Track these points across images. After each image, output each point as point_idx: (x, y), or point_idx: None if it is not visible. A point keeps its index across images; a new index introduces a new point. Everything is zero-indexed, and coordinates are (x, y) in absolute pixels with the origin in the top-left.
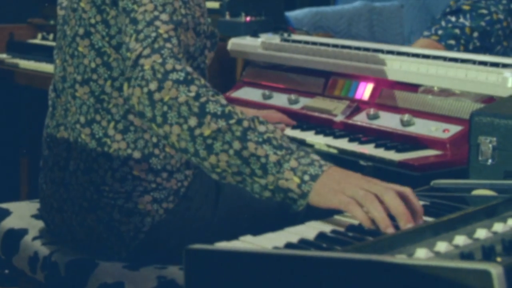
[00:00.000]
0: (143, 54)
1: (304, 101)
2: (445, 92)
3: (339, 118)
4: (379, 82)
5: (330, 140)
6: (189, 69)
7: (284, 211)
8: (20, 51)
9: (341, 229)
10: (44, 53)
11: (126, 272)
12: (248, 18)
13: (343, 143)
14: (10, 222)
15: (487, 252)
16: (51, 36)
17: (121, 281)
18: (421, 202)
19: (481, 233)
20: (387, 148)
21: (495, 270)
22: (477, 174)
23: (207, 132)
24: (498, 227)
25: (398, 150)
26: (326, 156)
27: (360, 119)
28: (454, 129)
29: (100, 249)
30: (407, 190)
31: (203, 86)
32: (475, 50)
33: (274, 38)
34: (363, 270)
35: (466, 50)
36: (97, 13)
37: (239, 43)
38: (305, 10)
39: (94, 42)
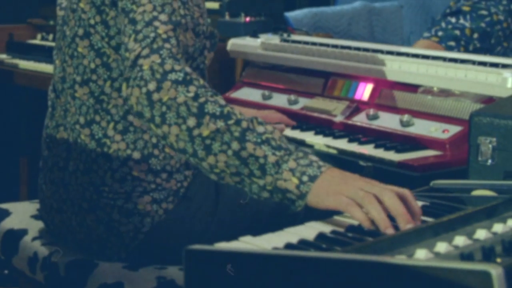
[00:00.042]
0: (142, 54)
1: (303, 102)
2: (444, 93)
3: (339, 119)
4: (379, 82)
5: (329, 141)
6: (188, 69)
7: (284, 211)
8: (19, 52)
9: (341, 230)
10: (44, 54)
11: (126, 273)
12: (247, 19)
13: (343, 144)
14: (9, 223)
15: (487, 253)
16: (50, 37)
17: (121, 282)
18: (421, 203)
19: (481, 234)
20: (387, 148)
21: (495, 271)
22: (477, 175)
23: (205, 132)
24: (498, 227)
25: (398, 150)
26: (325, 156)
27: (360, 119)
28: (454, 129)
29: (100, 250)
30: (405, 192)
31: (202, 87)
32: (476, 51)
33: (273, 39)
34: (363, 270)
35: (467, 51)
36: (96, 14)
37: (238, 43)
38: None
39: (93, 42)
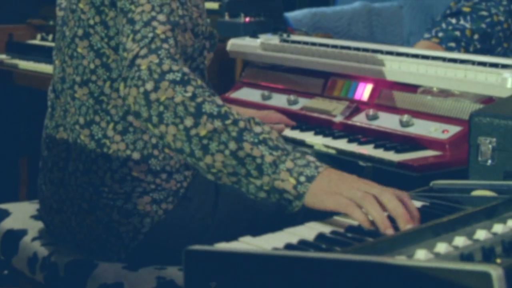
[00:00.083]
0: (140, 54)
1: (303, 102)
2: (444, 93)
3: (338, 119)
4: (378, 82)
5: (329, 141)
6: (186, 69)
7: (284, 212)
8: (19, 52)
9: (341, 230)
10: (43, 54)
11: (126, 273)
12: (247, 19)
13: (343, 144)
14: (9, 223)
15: (487, 254)
16: (50, 37)
17: (121, 282)
18: (421, 203)
19: (481, 234)
20: (387, 148)
21: (495, 272)
22: (477, 175)
23: (203, 132)
24: (498, 228)
25: (398, 150)
26: (325, 156)
27: (359, 119)
28: (454, 129)
29: (100, 250)
30: (403, 194)
31: (200, 87)
32: (476, 52)
33: (273, 39)
34: (363, 271)
35: (467, 52)
36: (96, 14)
37: (238, 43)
38: (304, 11)
39: (93, 43)
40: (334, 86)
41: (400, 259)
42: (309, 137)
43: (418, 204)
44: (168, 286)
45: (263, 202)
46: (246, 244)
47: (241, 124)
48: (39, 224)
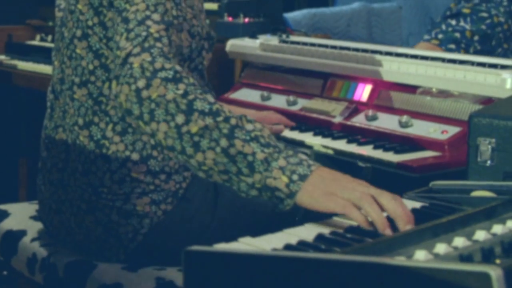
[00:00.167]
0: (133, 53)
1: (302, 102)
2: (443, 94)
3: (338, 119)
4: (378, 83)
5: (328, 141)
6: (178, 67)
7: (283, 212)
8: (18, 52)
9: (340, 231)
10: (43, 55)
11: (125, 274)
12: (246, 20)
13: (342, 144)
14: (8, 224)
15: (486, 254)
16: (49, 38)
17: (120, 282)
18: (420, 204)
19: (480, 235)
20: (386, 149)
21: (494, 272)
22: (476, 176)
23: (194, 129)
24: (497, 229)
25: (397, 151)
26: (324, 157)
27: (359, 120)
28: (453, 130)
29: (99, 251)
30: (397, 196)
31: (192, 84)
32: (476, 54)
33: (272, 40)
34: (362, 272)
35: (467, 54)
36: (94, 15)
37: (237, 44)
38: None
39: (91, 44)
40: (333, 87)
41: (400, 260)
42: (308, 137)
43: (417, 204)
44: (168, 287)
45: (262, 203)
46: (246, 244)
47: (233, 121)
48: (39, 225)
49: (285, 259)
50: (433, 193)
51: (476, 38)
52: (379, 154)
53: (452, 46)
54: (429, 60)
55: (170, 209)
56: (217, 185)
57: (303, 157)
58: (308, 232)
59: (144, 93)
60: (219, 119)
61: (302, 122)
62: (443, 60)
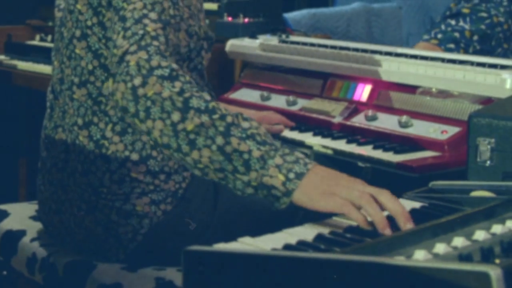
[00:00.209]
0: (130, 51)
1: (302, 103)
2: (443, 94)
3: (337, 120)
4: (377, 83)
5: (328, 142)
6: (174, 66)
7: (283, 212)
8: (18, 52)
9: (340, 231)
10: (42, 55)
11: (124, 274)
12: (246, 20)
13: (341, 145)
14: (8, 224)
15: (486, 254)
16: (49, 38)
17: (119, 283)
18: (420, 204)
19: (480, 235)
20: (385, 149)
21: (494, 272)
22: (476, 176)
23: (190, 126)
24: (497, 228)
25: (397, 151)
26: (324, 157)
27: (358, 120)
28: (452, 130)
29: (98, 251)
30: (394, 196)
31: (188, 82)
32: (476, 54)
33: (272, 40)
34: (362, 271)
35: (466, 53)
36: (93, 15)
37: (237, 44)
38: (303, 12)
39: (91, 44)
40: (333, 87)
41: (399, 260)
42: (308, 137)
43: (417, 204)
44: (167, 287)
45: (261, 203)
46: (245, 244)
47: (229, 119)
48: (38, 225)
49: (285, 259)
50: (433, 193)
51: (475, 38)
52: (378, 154)
53: (452, 45)
54: (429, 60)
55: (170, 209)
56: (216, 185)
57: (300, 155)
58: (307, 232)
59: (140, 91)
60: (215, 116)
61: (301, 122)
62: (442, 60)
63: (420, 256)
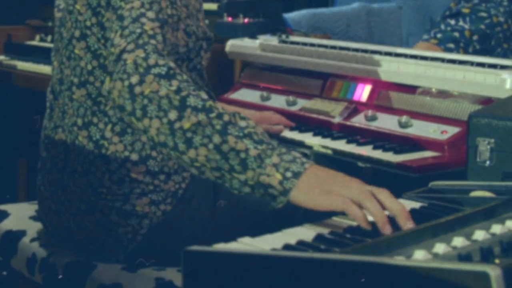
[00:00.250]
0: (127, 49)
1: (302, 103)
2: (443, 94)
3: (337, 120)
4: (377, 83)
5: (328, 142)
6: (172, 64)
7: (283, 212)
8: (18, 53)
9: (339, 231)
10: (42, 55)
11: (124, 274)
12: (246, 20)
13: (341, 145)
14: (8, 224)
15: (485, 254)
16: (49, 38)
17: (119, 283)
18: (419, 204)
19: (479, 235)
20: (385, 149)
21: (493, 272)
22: (475, 176)
23: (187, 125)
24: (496, 228)
25: (396, 151)
26: (324, 157)
27: (358, 120)
28: (452, 130)
29: (98, 251)
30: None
31: (185, 81)
32: (475, 53)
33: (272, 40)
34: (362, 271)
35: (466, 53)
36: (92, 16)
37: (237, 44)
38: (303, 12)
39: (90, 44)
40: (333, 87)
41: (399, 260)
42: (308, 138)
43: (416, 205)
44: (167, 287)
45: (261, 203)
46: (245, 244)
47: (226, 117)
48: (38, 225)
49: (284, 259)
50: (433, 193)
51: (475, 37)
52: (378, 154)
53: (451, 45)
54: (429, 60)
55: (170, 209)
56: (216, 185)
57: (297, 154)
58: (307, 232)
59: (137, 89)
60: (212, 115)
61: (301, 122)
62: (442, 60)
63: (419, 256)
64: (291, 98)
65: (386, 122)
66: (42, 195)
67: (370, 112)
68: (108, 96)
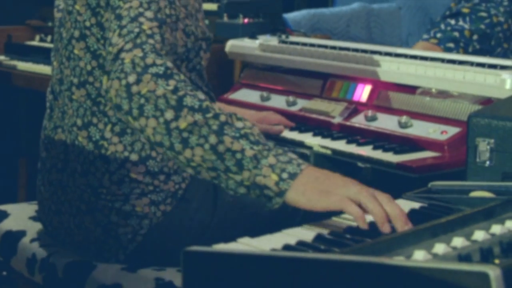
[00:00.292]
0: (125, 48)
1: (302, 103)
2: (443, 94)
3: (337, 120)
4: (377, 84)
5: (328, 142)
6: (169, 64)
7: (282, 213)
8: (18, 53)
9: (339, 231)
10: (42, 55)
11: (124, 274)
12: (246, 20)
13: (341, 145)
14: (8, 224)
15: (485, 254)
16: (49, 38)
17: (119, 283)
18: (419, 204)
19: (479, 235)
20: (385, 150)
21: (493, 272)
22: (475, 176)
23: (183, 125)
24: (496, 229)
25: (396, 152)
26: (323, 157)
27: (358, 121)
28: (452, 130)
29: (98, 251)
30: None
31: (182, 81)
32: (475, 53)
33: (272, 40)
34: (361, 272)
35: (466, 53)
36: (91, 16)
37: (237, 45)
38: (303, 12)
39: (89, 44)
40: (332, 87)
41: (399, 260)
42: (308, 138)
43: (416, 205)
44: (167, 287)
45: (261, 203)
46: (245, 245)
47: (222, 118)
48: (38, 225)
49: (284, 260)
50: (432, 194)
51: (475, 37)
52: (378, 154)
53: (451, 45)
54: (429, 60)
55: (170, 209)
56: (216, 186)
57: (293, 155)
58: (307, 232)
59: (134, 88)
60: (209, 115)
61: (301, 122)
62: (442, 60)
63: (419, 257)
64: (291, 98)
65: (386, 123)
66: (42, 195)
67: (370, 112)
68: (106, 96)
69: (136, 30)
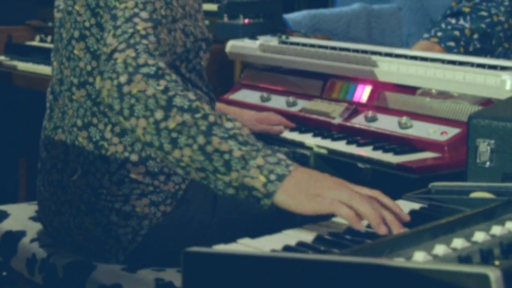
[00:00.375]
0: (118, 49)
1: (302, 104)
2: (443, 95)
3: (337, 121)
4: (377, 84)
5: (328, 143)
6: (162, 64)
7: (282, 214)
8: (18, 53)
9: (339, 232)
10: (42, 55)
11: (124, 275)
12: (246, 21)
13: (341, 146)
14: (8, 224)
15: (485, 256)
16: (49, 38)
17: (119, 283)
18: (419, 205)
19: (479, 236)
20: (385, 150)
21: (493, 274)
22: (475, 177)
23: (172, 125)
24: (496, 230)
25: (396, 152)
26: (323, 158)
27: (358, 121)
28: (452, 131)
29: (98, 252)
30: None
31: (173, 81)
32: (476, 52)
33: (272, 41)
34: (361, 273)
35: (466, 52)
36: (91, 16)
37: (237, 45)
38: (303, 13)
39: (89, 45)
40: (333, 88)
41: (399, 261)
42: (308, 138)
43: (416, 206)
44: None
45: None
46: (245, 246)
47: (211, 118)
48: (38, 226)
49: (284, 260)
50: (432, 194)
51: (475, 36)
52: (378, 155)
53: (451, 43)
54: (429, 61)
55: (170, 210)
56: None
57: (282, 156)
58: (307, 233)
59: (125, 88)
60: (198, 115)
61: (301, 123)
62: (442, 61)
63: (419, 258)
64: (291, 99)
65: (386, 123)
66: (42, 196)
67: (370, 113)
68: (100, 96)
69: (130, 30)
